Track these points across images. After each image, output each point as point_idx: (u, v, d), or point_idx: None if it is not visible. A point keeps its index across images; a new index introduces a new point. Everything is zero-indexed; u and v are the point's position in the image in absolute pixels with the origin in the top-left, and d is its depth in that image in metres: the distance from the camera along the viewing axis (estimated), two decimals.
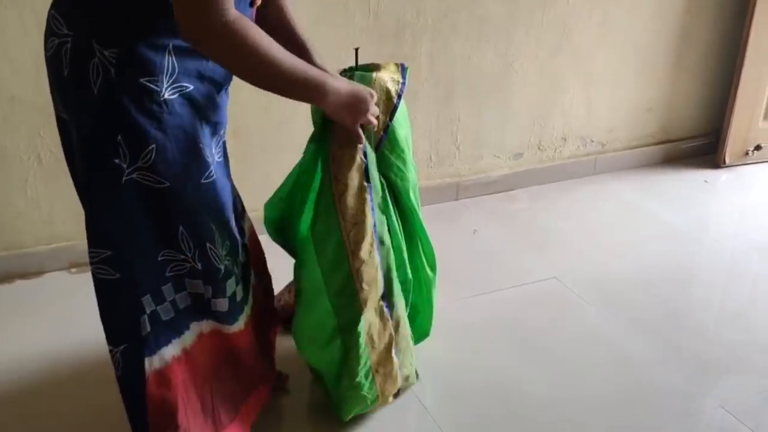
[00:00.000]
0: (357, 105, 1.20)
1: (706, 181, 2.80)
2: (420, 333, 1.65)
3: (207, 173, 1.11)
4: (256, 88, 1.09)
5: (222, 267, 1.16)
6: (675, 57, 2.79)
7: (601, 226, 2.44)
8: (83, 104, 1.02)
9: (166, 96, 1.02)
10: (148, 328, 1.12)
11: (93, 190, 1.05)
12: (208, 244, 1.13)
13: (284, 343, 1.62)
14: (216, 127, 1.14)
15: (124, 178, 1.03)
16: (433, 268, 1.59)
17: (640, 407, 1.57)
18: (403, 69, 1.47)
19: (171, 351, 1.16)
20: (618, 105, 2.78)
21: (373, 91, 1.26)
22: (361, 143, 1.28)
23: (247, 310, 1.27)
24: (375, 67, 1.46)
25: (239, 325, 1.25)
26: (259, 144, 2.11)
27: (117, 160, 1.02)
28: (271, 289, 1.51)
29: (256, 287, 1.38)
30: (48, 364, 1.65)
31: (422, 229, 1.53)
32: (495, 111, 2.56)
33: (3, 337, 1.75)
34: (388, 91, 1.41)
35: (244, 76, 1.05)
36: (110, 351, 1.12)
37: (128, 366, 1.12)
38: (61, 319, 1.81)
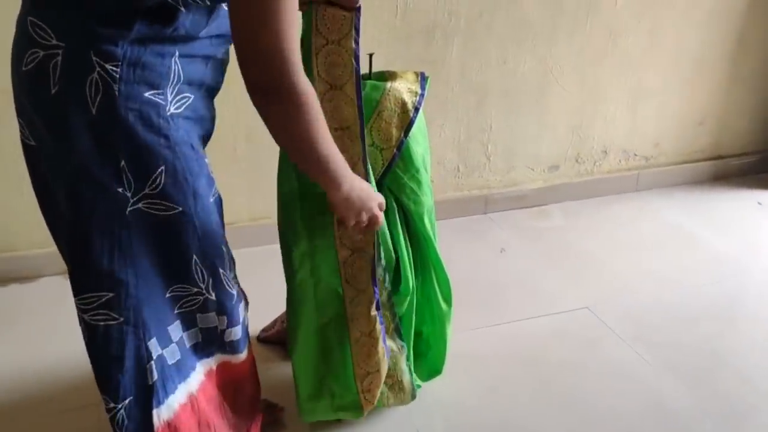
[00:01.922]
0: (364, 209, 1.12)
1: (759, 203, 2.58)
2: (431, 369, 1.50)
3: (213, 190, 1.02)
4: None
5: (234, 291, 1.09)
6: (730, 66, 2.57)
7: (640, 249, 2.24)
8: (76, 128, 0.88)
9: (172, 110, 0.92)
10: (156, 376, 1.01)
11: (91, 227, 0.92)
12: (221, 270, 1.05)
13: (280, 372, 1.50)
14: (207, 138, 1.06)
15: (128, 209, 0.92)
16: (448, 301, 1.44)
17: None
18: (422, 79, 1.32)
19: (178, 397, 1.06)
20: (666, 117, 2.58)
21: (380, 197, 1.17)
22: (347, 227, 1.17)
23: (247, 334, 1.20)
24: (391, 76, 1.31)
25: (246, 351, 1.18)
26: (271, 148, 1.98)
27: (120, 189, 0.91)
28: None
29: None
30: (42, 369, 1.57)
31: (437, 258, 1.38)
32: (530, 120, 2.38)
33: None
34: (403, 104, 1.26)
35: (279, 139, 0.98)
36: (109, 409, 1.00)
37: (134, 422, 1.00)
38: (55, 325, 1.73)
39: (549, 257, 2.18)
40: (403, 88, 1.27)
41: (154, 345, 1.00)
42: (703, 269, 2.12)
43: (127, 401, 1.00)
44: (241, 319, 1.12)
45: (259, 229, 2.04)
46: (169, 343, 1.03)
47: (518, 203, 2.46)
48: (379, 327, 1.26)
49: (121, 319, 0.97)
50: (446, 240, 2.17)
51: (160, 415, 1.02)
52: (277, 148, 1.16)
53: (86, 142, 0.88)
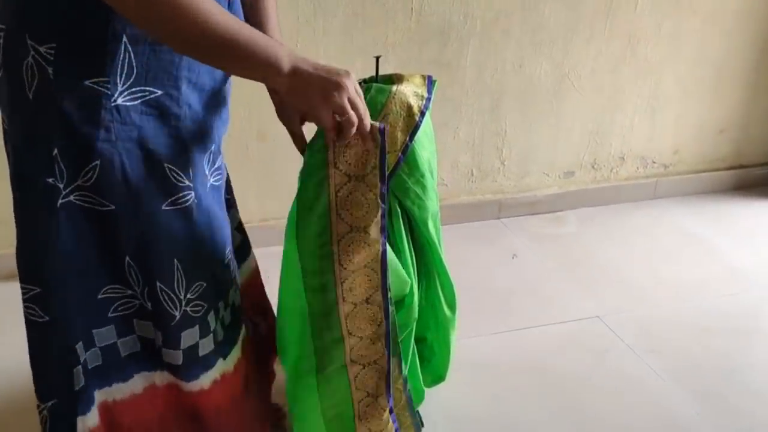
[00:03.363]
0: (327, 85, 0.87)
1: None
2: (434, 376, 1.48)
3: (174, 198, 0.93)
4: None
5: (178, 314, 0.97)
6: (753, 74, 2.51)
7: (657, 259, 2.20)
8: (16, 112, 0.86)
9: (119, 101, 0.84)
10: (83, 382, 0.95)
11: (19, 216, 0.90)
12: (158, 284, 0.94)
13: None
14: (204, 141, 0.96)
15: (59, 201, 0.87)
16: (452, 308, 1.42)
17: None
18: (429, 82, 1.30)
19: (97, 403, 1.00)
20: (686, 124, 2.52)
21: (348, 73, 0.91)
22: (335, 140, 0.97)
23: (222, 365, 1.07)
24: (397, 79, 1.29)
25: (201, 383, 1.04)
26: (284, 147, 1.98)
27: (50, 180, 0.85)
28: (273, 337, 1.34)
29: (249, 339, 1.18)
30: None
31: (441, 264, 1.36)
32: (546, 125, 2.35)
33: None
34: (409, 107, 1.24)
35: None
36: (37, 407, 0.96)
37: (56, 426, 0.95)
38: None
39: (562, 264, 2.14)
40: (410, 91, 1.25)
41: (80, 349, 0.95)
42: (720, 281, 2.07)
43: (50, 403, 0.95)
44: (183, 347, 1.00)
45: (269, 230, 2.03)
46: (92, 346, 0.97)
47: (532, 209, 2.43)
48: (391, 425, 1.21)
49: (47, 318, 0.92)
50: (458, 245, 2.16)
51: (86, 422, 0.97)
52: (290, 149, 1.13)
53: (21, 127, 0.86)
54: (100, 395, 1.00)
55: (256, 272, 1.28)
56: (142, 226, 0.91)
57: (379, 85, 1.25)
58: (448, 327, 1.43)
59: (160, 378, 1.03)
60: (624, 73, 2.34)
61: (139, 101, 0.87)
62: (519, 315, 1.87)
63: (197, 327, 1.00)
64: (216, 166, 1.03)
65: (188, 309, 0.99)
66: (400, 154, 1.24)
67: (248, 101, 1.93)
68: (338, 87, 0.88)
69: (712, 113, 2.54)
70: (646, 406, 1.55)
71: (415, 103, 1.25)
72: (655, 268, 2.13)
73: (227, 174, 1.20)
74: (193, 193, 0.95)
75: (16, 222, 0.91)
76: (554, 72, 2.26)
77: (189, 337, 1.00)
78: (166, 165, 0.91)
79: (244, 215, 1.31)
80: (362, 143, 1.02)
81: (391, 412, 1.18)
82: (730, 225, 2.42)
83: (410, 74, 1.31)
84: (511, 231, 2.34)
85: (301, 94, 0.88)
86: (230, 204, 1.22)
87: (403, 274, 1.23)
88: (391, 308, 1.12)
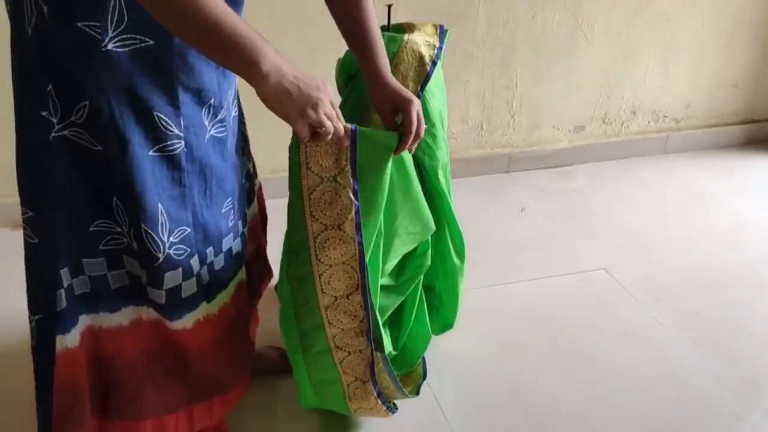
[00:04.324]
0: (303, 100, 0.89)
1: None
2: (443, 324, 1.52)
3: (162, 146, 0.96)
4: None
5: (161, 256, 1.00)
6: None
7: (665, 213, 2.20)
8: (18, 45, 0.90)
9: (109, 47, 0.87)
10: (64, 304, 1.00)
11: (17, 143, 0.94)
12: (143, 226, 0.98)
13: None
14: (200, 96, 0.99)
15: (52, 135, 0.91)
16: (461, 257, 1.44)
17: (682, 428, 1.40)
18: (441, 32, 1.30)
19: (80, 328, 1.04)
20: (699, 77, 2.50)
21: (327, 84, 0.93)
22: (305, 142, 1.00)
23: (205, 308, 1.11)
24: (409, 28, 1.28)
25: (184, 323, 1.08)
26: None
27: (44, 113, 0.89)
28: (263, 282, 1.39)
29: (243, 284, 1.23)
30: None
31: (451, 214, 1.38)
32: (558, 77, 2.33)
33: None
34: (421, 57, 1.24)
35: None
36: (28, 317, 1.02)
37: (41, 338, 1.01)
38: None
39: (570, 218, 2.16)
40: (421, 40, 1.25)
41: (65, 274, 0.99)
42: (727, 235, 2.09)
43: (36, 317, 1.01)
44: (165, 287, 1.03)
45: (279, 181, 2.04)
46: (80, 274, 1.01)
47: (542, 163, 2.43)
48: (380, 405, 1.23)
49: (36, 240, 0.97)
50: (467, 198, 2.18)
51: (64, 342, 1.01)
52: None
53: (22, 60, 0.90)
54: (86, 319, 1.05)
55: (255, 219, 1.31)
56: (129, 169, 0.94)
57: (390, 34, 1.25)
58: (456, 276, 1.45)
59: (147, 314, 1.08)
60: (638, 24, 2.31)
61: (129, 48, 0.88)
62: (526, 267, 1.90)
63: (180, 270, 1.04)
64: (219, 118, 1.06)
65: (171, 252, 1.02)
66: None
67: None
68: (314, 104, 0.90)
69: (726, 67, 2.51)
70: (650, 356, 1.59)
71: (427, 53, 1.25)
72: (662, 222, 2.15)
73: (242, 124, 1.22)
74: (182, 143, 0.98)
75: (16, 150, 0.96)
76: (567, 23, 2.23)
77: (172, 278, 1.03)
78: (155, 113, 0.94)
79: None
80: (334, 146, 1.04)
81: (379, 395, 1.21)
82: (739, 180, 2.42)
83: (422, 23, 1.31)
84: (520, 185, 2.35)
85: (278, 104, 0.88)
86: (241, 152, 1.24)
87: (429, 220, 1.25)
88: (371, 305, 1.14)
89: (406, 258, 1.32)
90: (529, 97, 2.33)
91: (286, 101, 0.88)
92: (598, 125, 2.47)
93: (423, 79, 1.24)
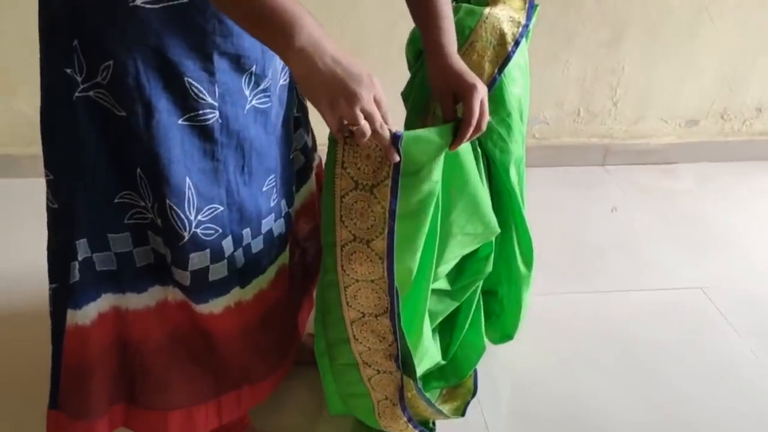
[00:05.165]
0: (337, 90, 0.77)
1: None
2: (502, 334, 1.37)
3: (193, 114, 0.88)
4: None
5: (186, 235, 0.92)
6: None
7: None
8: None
9: (138, 2, 0.79)
10: (77, 277, 0.94)
11: (42, 102, 0.88)
12: (168, 201, 0.90)
13: None
14: (239, 62, 0.89)
15: (76, 94, 0.84)
16: (528, 265, 1.28)
17: None
18: (530, 7, 1.12)
19: (100, 305, 0.98)
20: None
21: (376, 80, 0.79)
22: (339, 139, 0.87)
23: (238, 294, 1.03)
24: (493, 1, 1.12)
25: (211, 308, 1.00)
26: None
27: (69, 70, 0.83)
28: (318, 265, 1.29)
29: (286, 269, 1.13)
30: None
31: (521, 215, 1.22)
32: (673, 64, 2.06)
33: None
34: (501, 35, 1.08)
35: None
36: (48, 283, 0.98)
37: (56, 308, 0.97)
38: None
39: (668, 224, 1.93)
40: (505, 16, 1.09)
41: (83, 246, 0.93)
42: None
43: (53, 286, 0.97)
44: (191, 268, 0.96)
45: None
46: (104, 249, 0.95)
47: (643, 158, 2.19)
48: (411, 429, 1.12)
49: (56, 206, 0.92)
50: (553, 189, 2.00)
51: (75, 317, 0.96)
52: None
53: (49, 12, 0.85)
54: (112, 299, 0.99)
55: (313, 197, 1.21)
56: (154, 137, 0.87)
57: (469, 6, 1.09)
58: (521, 284, 1.30)
59: (173, 295, 1.01)
60: None
61: (160, 5, 0.80)
62: (608, 275, 1.71)
63: (207, 251, 0.96)
64: (261, 87, 0.96)
65: (198, 231, 0.94)
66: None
67: None
68: (350, 96, 0.77)
69: None
70: (741, 392, 1.38)
71: (509, 31, 1.09)
72: None
73: (297, 96, 1.12)
74: (216, 113, 0.90)
75: (40, 110, 0.90)
76: (691, 3, 1.96)
77: (198, 259, 0.95)
78: (186, 79, 0.85)
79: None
80: (378, 151, 0.88)
81: (409, 420, 1.09)
82: None
83: None
84: (615, 180, 2.13)
85: (308, 88, 0.78)
86: (298, 124, 1.14)
87: (492, 221, 1.11)
88: (401, 331, 1.00)
89: (465, 260, 1.18)
90: (637, 84, 2.09)
91: (318, 85, 0.76)
92: (714, 121, 2.19)
93: (502, 60, 1.09)
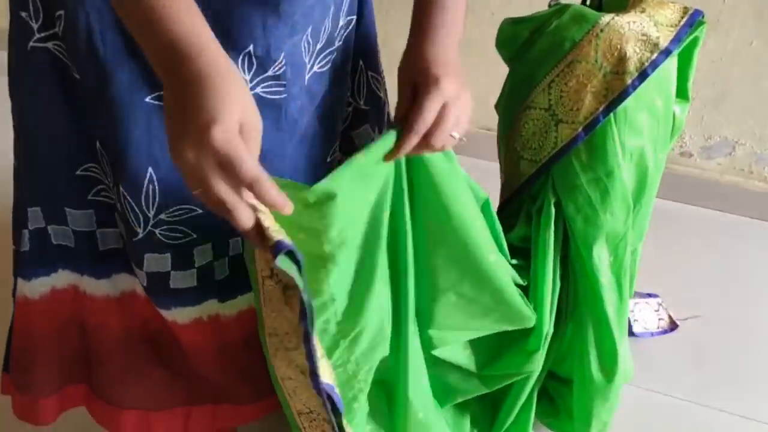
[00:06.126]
0: (192, 123, 0.54)
1: None
2: None
3: (159, 93, 0.71)
4: None
5: (141, 232, 0.77)
6: None
7: None
8: None
9: None
10: (27, 247, 0.84)
11: (8, 42, 0.76)
12: (121, 188, 0.75)
13: None
14: (229, 38, 0.69)
15: (31, 43, 0.73)
16: (608, 374, 0.92)
17: None
18: (691, 21, 0.75)
19: (55, 282, 0.87)
20: None
21: (258, 122, 0.55)
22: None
23: (216, 307, 0.86)
24: (634, 3, 0.76)
25: (175, 316, 0.84)
26: None
27: (24, 14, 0.71)
28: None
29: None
30: None
31: (604, 312, 0.87)
32: None
33: None
34: (621, 58, 0.73)
35: None
36: None
37: (15, 268, 0.88)
38: None
39: None
40: (635, 31, 0.73)
41: (35, 215, 0.82)
42: None
43: (14, 247, 0.87)
44: (146, 269, 0.81)
45: (489, 139, 1.66)
46: (61, 223, 0.83)
47: None
48: None
49: (16, 163, 0.81)
50: (713, 245, 1.51)
51: (23, 288, 0.86)
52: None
53: None
54: (70, 277, 0.88)
55: None
56: (109, 112, 0.72)
57: (579, 9, 0.76)
58: (593, 394, 0.96)
59: (139, 288, 0.87)
60: None
61: None
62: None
63: (168, 256, 0.80)
64: (269, 74, 0.74)
65: (157, 231, 0.78)
66: (581, 129, 0.77)
67: None
68: (196, 138, 0.54)
69: None
70: None
71: (636, 54, 0.74)
72: None
73: (370, 84, 0.90)
74: None
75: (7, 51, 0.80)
76: None
77: (155, 261, 0.80)
78: None
79: None
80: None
81: None
82: None
83: (663, 1, 0.77)
84: None
85: (168, 129, 0.56)
86: (365, 117, 0.92)
87: (512, 299, 0.79)
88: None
89: (502, 345, 0.88)
90: None
91: (176, 129, 0.56)
92: None
93: (614, 96, 0.74)
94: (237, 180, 0.54)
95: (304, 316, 0.59)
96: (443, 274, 0.75)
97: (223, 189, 0.54)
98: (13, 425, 1.03)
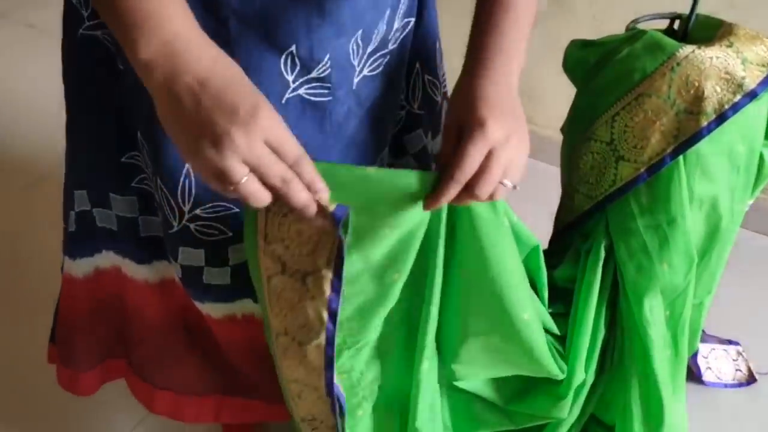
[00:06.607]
0: (200, 131, 0.51)
1: None
2: None
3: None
4: None
5: (176, 225, 0.77)
6: None
7: None
8: None
9: None
10: (74, 227, 0.86)
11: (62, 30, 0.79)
12: (158, 181, 0.75)
13: None
14: (268, 37, 0.68)
15: (81, 30, 0.73)
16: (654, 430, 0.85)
17: None
18: None
19: (99, 263, 0.89)
20: None
21: (267, 114, 0.50)
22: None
23: (250, 306, 0.86)
24: (723, 35, 0.67)
25: (208, 310, 0.85)
26: None
27: (75, 1, 0.72)
28: None
29: None
30: None
31: (651, 368, 0.79)
32: None
33: None
34: (698, 97, 0.64)
35: None
36: None
37: (64, 248, 0.91)
38: None
39: None
40: (718, 67, 0.64)
41: (81, 197, 0.84)
42: None
43: (64, 226, 0.90)
44: (180, 260, 0.81)
45: None
46: (105, 207, 0.84)
47: None
48: None
49: (68, 145, 0.83)
50: None
51: (70, 267, 0.89)
52: None
53: None
54: (115, 259, 0.91)
55: None
56: (150, 106, 0.71)
57: (656, 36, 0.68)
58: None
59: (176, 274, 0.87)
60: None
61: None
62: None
63: (202, 251, 0.79)
64: (313, 75, 0.71)
65: (192, 226, 0.77)
66: (644, 170, 0.69)
67: None
68: (217, 141, 0.50)
69: None
70: None
71: (715, 94, 0.65)
72: None
73: (426, 87, 0.85)
74: None
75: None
76: None
77: (189, 255, 0.80)
78: None
79: None
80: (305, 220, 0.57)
81: None
82: None
83: (758, 32, 0.68)
84: None
85: (167, 122, 0.53)
86: (417, 122, 0.88)
87: (546, 361, 0.73)
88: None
89: (529, 382, 0.82)
90: None
91: (172, 119, 0.52)
92: None
93: (685, 139, 0.65)
94: (283, 158, 0.53)
95: (339, 273, 0.58)
96: (474, 321, 0.70)
97: (278, 167, 0.52)
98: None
